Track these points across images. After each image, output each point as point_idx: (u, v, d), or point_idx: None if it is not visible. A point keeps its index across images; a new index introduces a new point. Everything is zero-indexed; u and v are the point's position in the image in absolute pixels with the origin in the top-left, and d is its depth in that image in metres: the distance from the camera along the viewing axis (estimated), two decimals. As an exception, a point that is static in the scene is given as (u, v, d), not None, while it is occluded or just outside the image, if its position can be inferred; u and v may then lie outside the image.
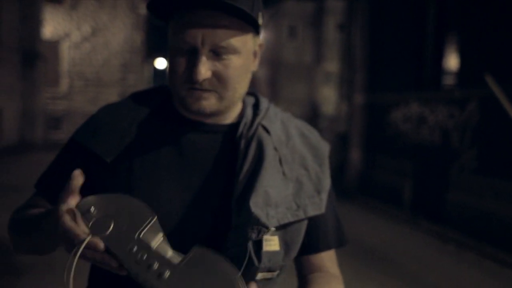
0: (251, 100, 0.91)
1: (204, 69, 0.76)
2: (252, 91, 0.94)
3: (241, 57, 0.80)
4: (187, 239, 0.77)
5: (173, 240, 0.76)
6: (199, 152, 0.83)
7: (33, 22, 10.79)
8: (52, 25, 13.37)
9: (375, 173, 7.11)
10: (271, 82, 20.04)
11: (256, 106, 0.90)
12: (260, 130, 0.85)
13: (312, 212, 0.83)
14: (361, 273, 3.85)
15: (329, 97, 16.50)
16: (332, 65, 16.34)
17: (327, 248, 0.89)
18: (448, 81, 5.94)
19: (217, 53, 0.77)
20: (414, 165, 6.05)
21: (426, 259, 4.40)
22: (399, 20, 6.69)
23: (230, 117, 0.87)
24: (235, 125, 0.86)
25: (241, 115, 0.88)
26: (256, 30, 0.82)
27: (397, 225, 5.64)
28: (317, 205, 0.84)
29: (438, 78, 6.06)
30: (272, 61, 19.81)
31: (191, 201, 0.80)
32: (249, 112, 0.88)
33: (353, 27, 7.80)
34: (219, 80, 0.78)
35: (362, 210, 6.52)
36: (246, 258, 0.74)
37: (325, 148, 0.92)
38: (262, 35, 0.88)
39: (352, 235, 4.91)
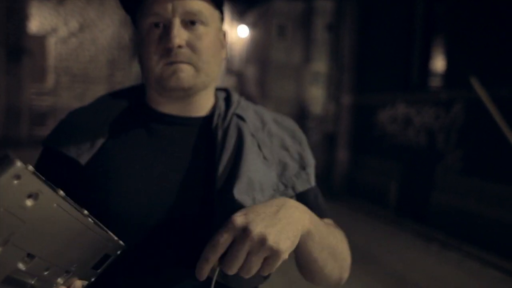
0: (222, 94, 0.93)
1: (179, 35, 0.76)
2: (223, 87, 0.95)
3: (211, 32, 0.81)
4: (171, 235, 0.76)
5: (157, 238, 0.75)
6: (175, 146, 0.82)
7: (19, 16, 10.63)
8: (38, 20, 13.19)
9: (361, 173, 7.17)
10: (259, 81, 20.05)
11: (227, 99, 0.91)
12: (235, 119, 0.86)
13: (301, 187, 0.83)
14: (347, 272, 3.87)
15: (317, 97, 16.57)
16: (320, 65, 16.42)
17: (324, 216, 0.87)
18: (435, 83, 6.01)
19: (189, 23, 0.78)
20: (400, 166, 6.11)
21: (411, 259, 4.45)
22: (387, 21, 6.75)
23: (203, 110, 0.87)
24: (208, 118, 0.87)
25: (214, 108, 0.88)
26: (221, 13, 0.85)
27: (382, 225, 5.69)
28: (305, 180, 0.84)
29: (425, 79, 6.13)
30: (261, 61, 19.82)
31: (172, 196, 0.78)
32: (221, 104, 0.89)
33: (342, 28, 7.84)
34: (194, 51, 0.79)
35: (348, 210, 6.56)
36: None
37: (300, 130, 0.94)
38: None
39: (338, 235, 4.89)
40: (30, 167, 0.50)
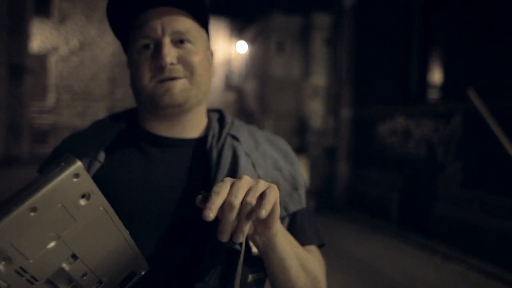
0: (215, 115, 0.94)
1: (170, 53, 0.79)
2: (216, 108, 0.97)
3: (200, 49, 0.84)
4: (169, 258, 0.76)
5: (155, 262, 0.74)
6: (170, 169, 0.83)
7: (21, 36, 10.76)
8: (39, 39, 13.34)
9: (362, 186, 7.16)
10: (259, 96, 20.14)
11: (221, 120, 0.93)
12: (230, 139, 0.87)
13: (293, 208, 0.84)
14: (349, 285, 3.85)
15: (316, 111, 16.64)
16: (319, 80, 16.52)
17: (308, 243, 0.87)
18: (433, 95, 6.05)
19: (178, 41, 0.81)
20: (400, 178, 6.11)
21: (413, 272, 4.42)
22: (385, 34, 6.82)
23: (196, 131, 0.88)
24: (202, 139, 0.87)
25: (207, 128, 0.90)
26: (207, 33, 0.88)
27: (384, 238, 5.66)
28: (297, 201, 0.85)
29: (423, 92, 6.16)
30: (260, 76, 19.94)
31: (169, 219, 0.78)
32: (215, 125, 0.90)
33: (340, 42, 7.92)
34: (185, 66, 0.81)
35: (350, 223, 6.54)
36: (239, 261, 0.71)
37: (292, 152, 0.95)
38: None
39: (340, 248, 4.89)
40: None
